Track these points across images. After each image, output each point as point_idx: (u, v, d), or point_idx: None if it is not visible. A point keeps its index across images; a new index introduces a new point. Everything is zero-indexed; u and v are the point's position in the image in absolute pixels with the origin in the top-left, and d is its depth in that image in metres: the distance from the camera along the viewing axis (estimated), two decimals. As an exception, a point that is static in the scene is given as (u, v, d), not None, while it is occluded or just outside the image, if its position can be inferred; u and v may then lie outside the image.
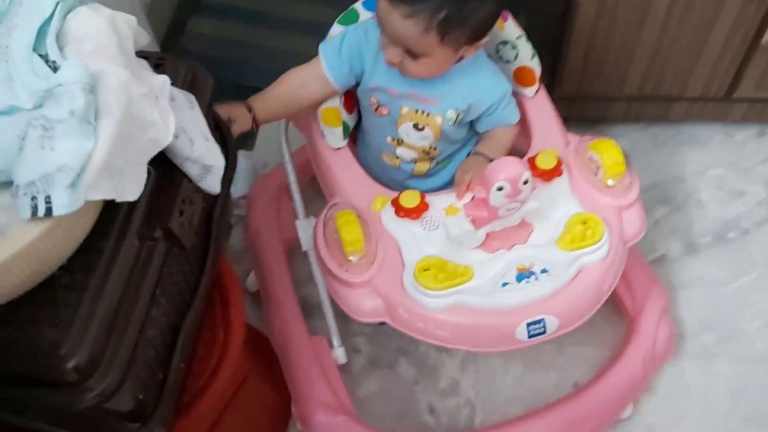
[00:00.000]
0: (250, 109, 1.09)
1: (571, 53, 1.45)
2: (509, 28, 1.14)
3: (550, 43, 1.48)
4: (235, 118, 1.06)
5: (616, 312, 1.32)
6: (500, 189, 0.91)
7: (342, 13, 1.15)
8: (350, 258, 0.98)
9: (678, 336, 1.35)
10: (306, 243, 1.15)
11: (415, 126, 1.08)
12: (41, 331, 0.70)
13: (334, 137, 1.12)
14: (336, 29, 1.13)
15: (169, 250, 0.83)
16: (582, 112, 1.60)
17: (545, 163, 1.04)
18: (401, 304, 0.97)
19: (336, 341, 1.19)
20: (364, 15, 1.14)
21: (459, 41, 0.96)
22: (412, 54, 0.97)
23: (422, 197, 1.01)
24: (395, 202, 1.01)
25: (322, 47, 1.08)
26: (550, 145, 1.10)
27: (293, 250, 1.30)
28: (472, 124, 1.13)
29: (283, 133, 1.27)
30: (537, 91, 1.17)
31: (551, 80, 1.52)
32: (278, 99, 1.11)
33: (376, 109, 1.09)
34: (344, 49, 1.06)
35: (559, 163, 1.04)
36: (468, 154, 1.13)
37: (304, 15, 1.88)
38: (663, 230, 1.52)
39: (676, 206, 1.55)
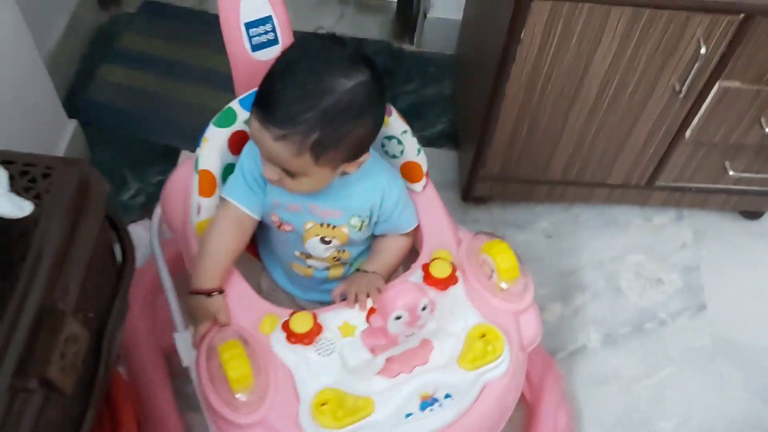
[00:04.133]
0: (209, 293, 0.97)
1: (497, 136, 1.42)
2: (394, 123, 1.09)
3: (478, 123, 1.44)
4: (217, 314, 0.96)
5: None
6: (398, 318, 0.85)
7: (218, 114, 1.05)
8: (238, 396, 0.87)
9: (594, 436, 1.33)
10: (186, 358, 0.99)
11: (322, 239, 1.02)
12: None
13: None
14: (212, 132, 1.04)
15: (46, 398, 0.72)
16: (505, 192, 1.57)
17: (440, 271, 0.99)
18: (298, 444, 0.89)
19: None
20: (242, 114, 1.05)
21: (336, 161, 0.91)
22: (289, 173, 0.91)
23: (314, 318, 0.93)
24: (286, 327, 0.92)
25: (229, 194, 1.00)
26: (443, 245, 1.05)
27: (174, 354, 1.07)
28: None
29: (155, 236, 1.17)
30: (425, 186, 1.12)
31: (476, 159, 1.49)
32: (222, 265, 0.99)
33: (279, 227, 1.02)
34: (250, 181, 0.99)
35: (454, 269, 1.00)
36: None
37: (219, 66, 1.77)
38: (583, 319, 1.49)
39: (595, 293, 1.54)
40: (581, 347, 1.46)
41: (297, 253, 1.05)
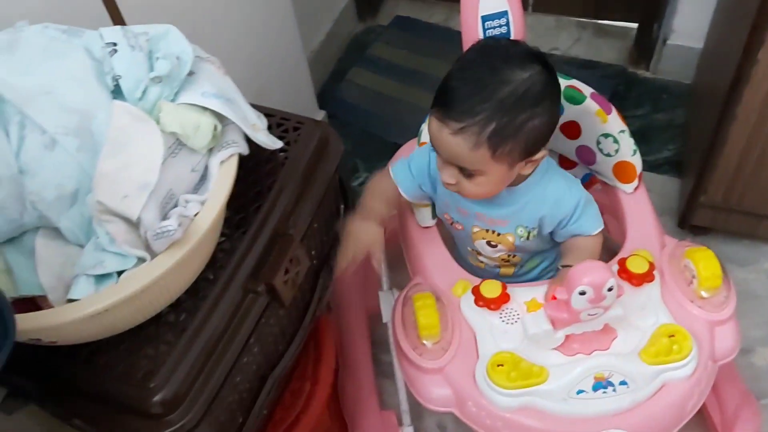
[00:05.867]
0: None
1: (722, 160, 1.37)
2: (612, 121, 1.10)
3: (703, 147, 1.41)
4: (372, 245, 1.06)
5: (702, 426, 1.21)
6: (583, 293, 0.86)
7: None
8: (424, 342, 0.96)
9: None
10: (386, 315, 1.12)
11: (488, 243, 1.07)
12: (138, 362, 0.77)
13: (422, 216, 1.12)
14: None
15: (269, 303, 0.87)
16: (726, 224, 1.50)
17: (636, 266, 0.99)
18: (471, 398, 0.94)
19: (406, 419, 1.16)
20: None
21: (512, 156, 0.91)
22: (467, 173, 0.93)
23: (504, 288, 0.99)
24: (476, 291, 0.99)
25: (393, 169, 1.08)
26: (645, 246, 1.04)
27: (377, 316, 1.23)
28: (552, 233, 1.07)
29: None
30: (636, 188, 1.12)
31: (697, 184, 1.45)
32: (379, 203, 1.09)
33: (451, 224, 1.09)
34: (414, 171, 1.07)
35: (652, 267, 0.99)
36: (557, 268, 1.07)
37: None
38: (799, 368, 1.38)
39: (819, 344, 1.41)
40: (794, 396, 1.35)
41: (469, 248, 1.11)
